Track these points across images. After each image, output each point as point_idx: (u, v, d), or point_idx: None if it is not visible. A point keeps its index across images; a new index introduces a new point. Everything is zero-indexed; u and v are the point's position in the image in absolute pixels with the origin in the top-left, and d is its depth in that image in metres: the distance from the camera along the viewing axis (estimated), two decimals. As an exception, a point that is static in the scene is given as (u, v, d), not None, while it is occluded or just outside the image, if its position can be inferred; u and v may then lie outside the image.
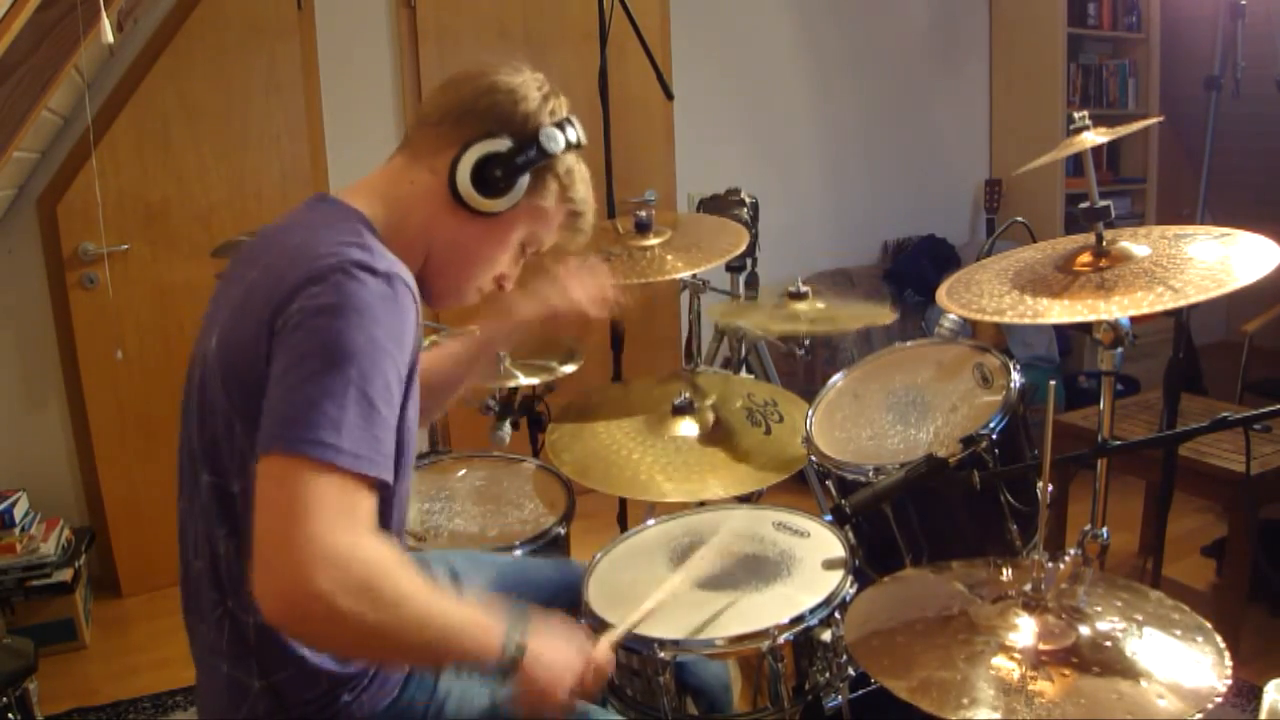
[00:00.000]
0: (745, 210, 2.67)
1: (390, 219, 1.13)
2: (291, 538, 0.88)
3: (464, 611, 1.01)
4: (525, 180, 1.17)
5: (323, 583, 0.87)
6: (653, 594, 1.35)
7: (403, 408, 1.04)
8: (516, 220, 1.20)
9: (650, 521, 1.68)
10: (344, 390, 0.93)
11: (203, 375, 1.08)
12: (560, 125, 1.18)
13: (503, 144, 1.14)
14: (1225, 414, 1.32)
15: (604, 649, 1.18)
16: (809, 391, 1.88)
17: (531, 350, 1.45)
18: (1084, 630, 1.11)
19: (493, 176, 1.14)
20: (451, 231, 1.18)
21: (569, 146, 1.19)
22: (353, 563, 0.89)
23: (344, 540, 0.89)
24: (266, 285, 1.02)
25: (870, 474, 1.56)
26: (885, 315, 1.98)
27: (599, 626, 1.34)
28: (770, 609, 1.37)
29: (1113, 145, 4.46)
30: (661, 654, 1.32)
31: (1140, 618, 1.14)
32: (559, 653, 1.09)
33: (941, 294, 1.40)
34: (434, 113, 1.18)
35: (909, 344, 1.87)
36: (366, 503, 0.93)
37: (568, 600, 1.42)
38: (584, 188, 1.26)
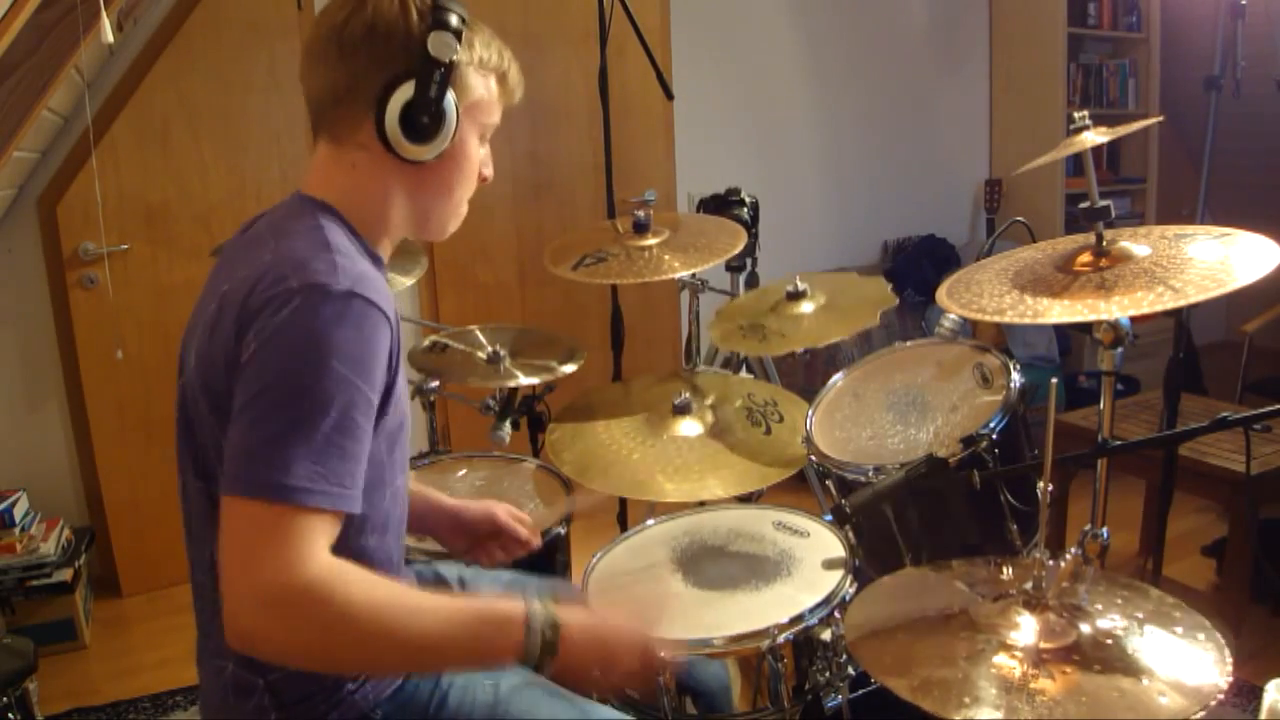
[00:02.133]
0: (745, 210, 2.68)
1: (353, 210, 1.11)
2: (236, 577, 0.91)
3: (467, 615, 1.00)
4: (450, 98, 1.09)
5: (261, 619, 0.90)
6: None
7: (381, 421, 1.03)
8: (464, 130, 1.14)
9: (650, 521, 1.69)
10: (297, 426, 0.93)
11: (185, 387, 1.08)
12: (435, 24, 1.07)
13: (408, 88, 1.06)
14: (1225, 414, 1.32)
15: (663, 642, 1.14)
16: (809, 391, 1.88)
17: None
18: (1085, 628, 1.11)
19: (421, 123, 1.07)
20: (416, 185, 1.14)
21: (456, 32, 1.08)
22: (288, 597, 0.90)
23: (279, 577, 0.90)
24: (233, 303, 1.01)
25: (870, 474, 1.56)
26: (888, 299, 1.97)
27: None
28: (770, 609, 1.37)
29: (1113, 145, 4.45)
30: (662, 654, 1.32)
31: (1141, 615, 1.14)
32: (608, 639, 1.08)
33: (941, 294, 1.40)
34: (323, 92, 1.10)
35: (909, 344, 1.87)
36: (318, 535, 0.93)
37: None
38: (491, 51, 1.15)
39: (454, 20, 1.08)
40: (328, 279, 0.98)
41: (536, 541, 1.47)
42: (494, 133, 1.22)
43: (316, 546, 0.93)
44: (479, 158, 1.19)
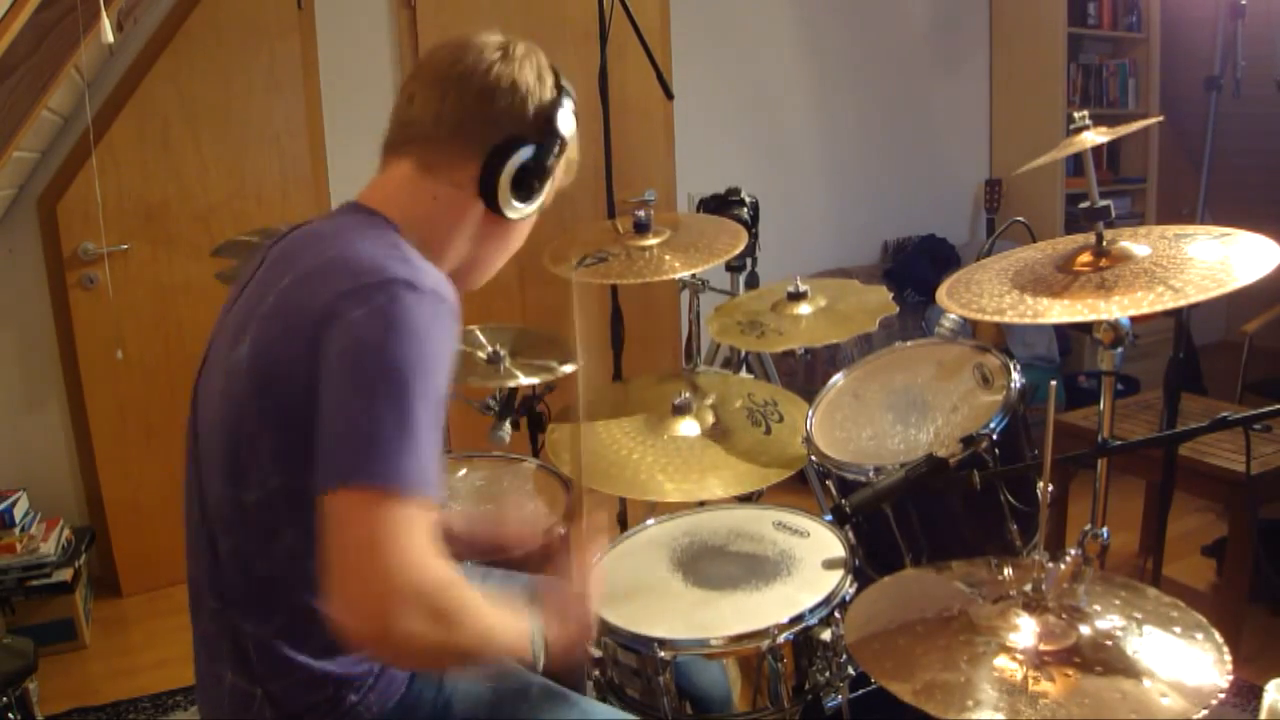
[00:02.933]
0: (745, 210, 2.68)
1: (418, 233, 1.12)
2: (374, 573, 0.89)
3: (504, 615, 1.04)
4: (554, 172, 1.17)
5: (409, 614, 0.89)
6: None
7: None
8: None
9: (650, 521, 1.69)
10: (402, 417, 0.93)
11: (227, 383, 1.06)
12: (563, 100, 1.16)
13: (528, 150, 1.13)
14: (1225, 414, 1.32)
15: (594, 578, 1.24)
16: (809, 391, 1.88)
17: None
18: (1084, 630, 1.11)
19: (530, 185, 1.15)
20: (486, 235, 1.19)
21: (574, 115, 1.18)
22: (432, 590, 0.91)
23: (420, 569, 0.90)
24: (304, 295, 1.00)
25: (870, 474, 1.56)
26: (888, 307, 1.98)
27: (600, 626, 1.34)
28: (770, 609, 1.37)
29: (1113, 145, 4.46)
30: (661, 654, 1.32)
31: (1139, 616, 1.14)
32: (570, 617, 1.16)
33: (941, 294, 1.40)
34: (437, 121, 1.13)
35: (909, 344, 1.87)
36: (429, 527, 0.94)
37: None
38: (573, 139, 1.22)
39: (570, 102, 1.18)
40: (412, 276, 0.99)
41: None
42: None
43: (431, 537, 0.94)
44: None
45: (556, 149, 1.15)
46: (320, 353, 0.97)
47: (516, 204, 1.15)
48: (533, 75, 1.14)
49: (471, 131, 1.12)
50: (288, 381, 0.99)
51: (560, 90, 1.16)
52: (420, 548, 0.91)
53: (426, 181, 1.13)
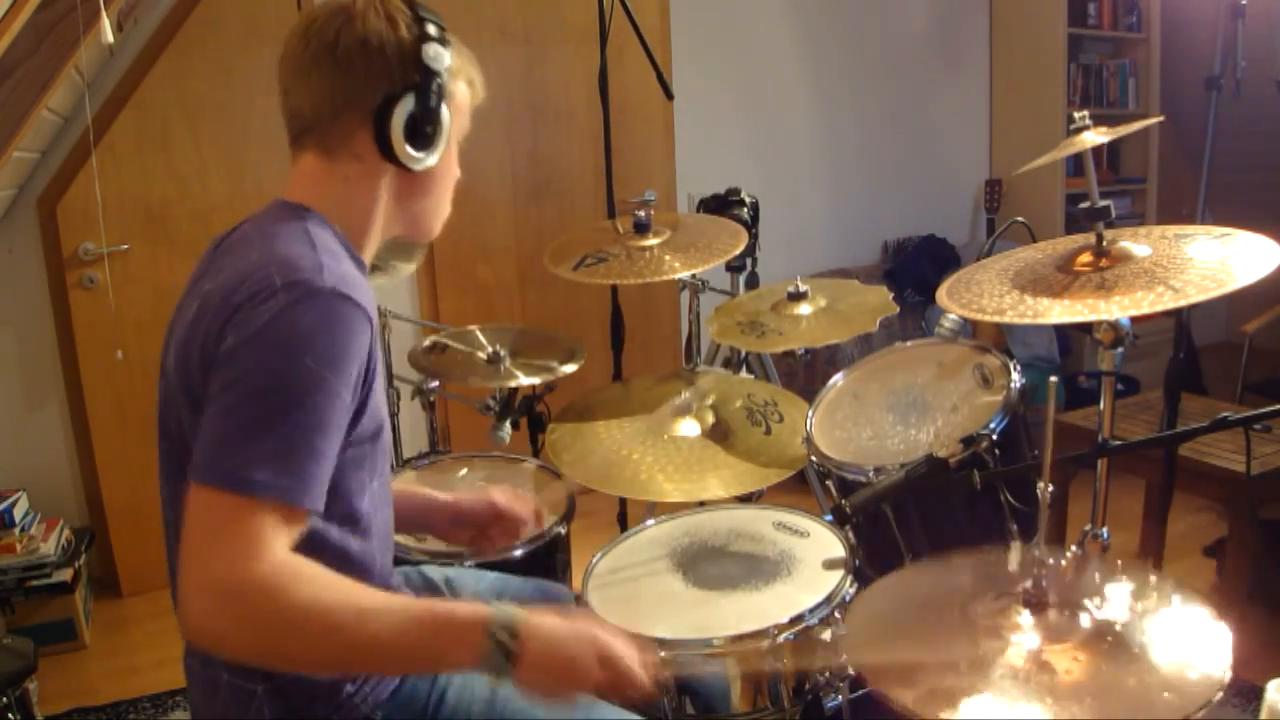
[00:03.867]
0: (745, 210, 2.68)
1: (340, 218, 1.12)
2: (197, 566, 0.92)
3: (427, 614, 0.99)
4: (444, 107, 1.12)
5: (208, 609, 0.91)
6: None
7: (356, 424, 1.04)
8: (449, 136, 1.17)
9: (650, 521, 1.69)
10: (266, 421, 0.94)
11: (164, 388, 1.09)
12: (425, 34, 1.09)
13: (409, 99, 1.08)
14: (1225, 414, 1.32)
15: (650, 650, 1.12)
16: (809, 391, 1.88)
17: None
18: (1085, 625, 1.11)
19: (425, 133, 1.10)
20: (407, 191, 1.16)
21: (445, 41, 1.11)
22: (238, 590, 0.90)
23: (231, 569, 0.90)
24: (215, 302, 1.01)
25: (870, 474, 1.56)
26: (887, 303, 1.98)
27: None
28: (770, 609, 1.37)
29: (1113, 145, 4.45)
30: (661, 654, 1.32)
31: (1141, 609, 1.14)
32: (575, 641, 1.03)
33: (941, 294, 1.40)
34: (315, 107, 1.11)
35: (909, 344, 1.87)
36: (277, 530, 0.93)
37: None
38: (462, 58, 1.17)
39: (436, 30, 1.11)
40: (312, 276, 0.99)
41: (539, 521, 1.48)
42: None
43: (273, 541, 0.93)
44: (456, 158, 1.22)
45: (435, 86, 1.10)
46: (215, 355, 0.98)
47: (418, 154, 1.11)
48: (382, 23, 1.09)
49: (348, 103, 1.09)
50: (202, 383, 1.00)
51: (421, 25, 1.09)
52: (237, 549, 0.90)
53: (332, 165, 1.13)
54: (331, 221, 1.11)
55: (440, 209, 1.23)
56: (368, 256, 1.17)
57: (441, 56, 1.10)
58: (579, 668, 1.02)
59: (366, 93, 1.09)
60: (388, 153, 1.10)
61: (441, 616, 1.00)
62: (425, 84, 1.09)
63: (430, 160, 1.13)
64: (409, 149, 1.10)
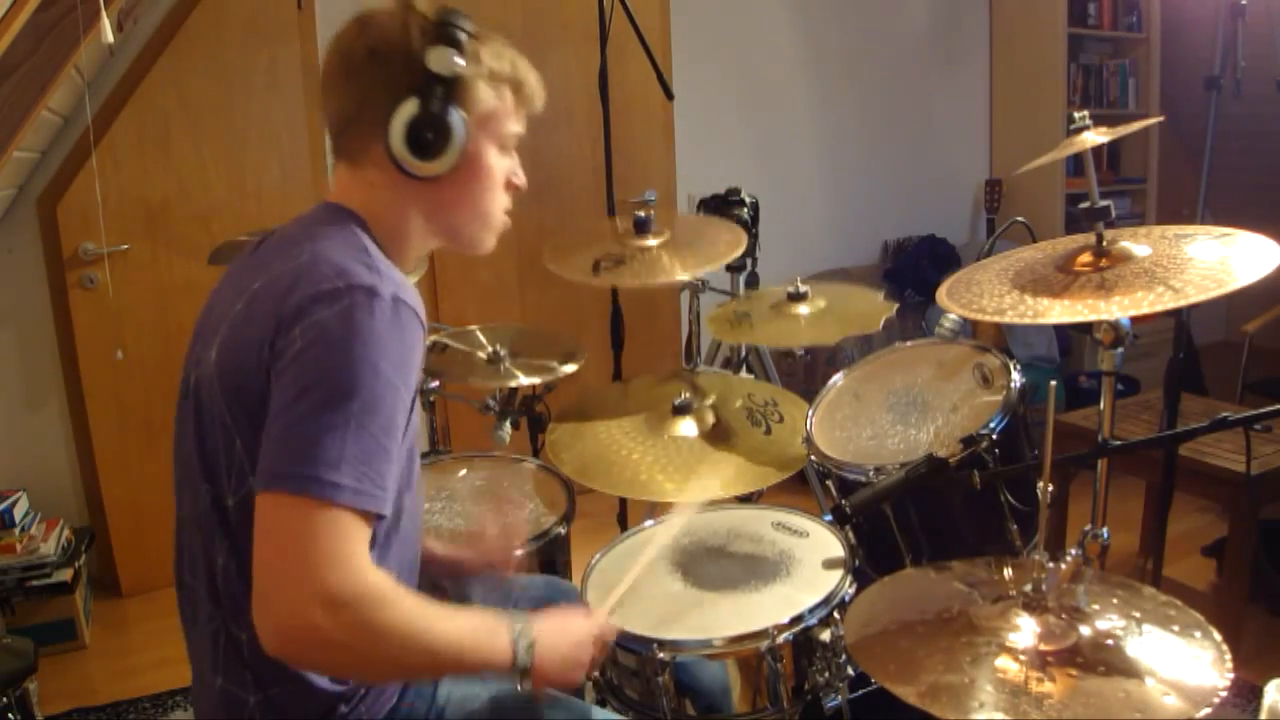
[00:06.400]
0: (745, 210, 2.68)
1: (375, 225, 1.12)
2: (288, 575, 0.90)
3: (470, 624, 1.02)
4: (455, 113, 1.09)
5: (317, 620, 0.89)
6: (639, 559, 1.39)
7: (404, 430, 1.03)
8: (478, 143, 1.14)
9: (650, 521, 1.68)
10: (345, 425, 0.93)
11: (199, 385, 1.07)
12: (436, 39, 1.08)
13: (410, 105, 1.07)
14: (1225, 414, 1.32)
15: (602, 620, 1.23)
16: (809, 391, 1.88)
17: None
18: (1085, 630, 1.11)
19: (425, 139, 1.08)
20: (433, 201, 1.15)
21: (459, 46, 1.08)
22: (347, 599, 0.90)
23: (338, 578, 0.90)
24: (269, 300, 1.00)
25: (870, 474, 1.56)
26: (885, 308, 1.98)
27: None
28: (769, 609, 1.37)
29: (1113, 145, 4.45)
30: (660, 654, 1.32)
31: (1138, 615, 1.14)
32: (568, 639, 1.13)
33: (941, 294, 1.40)
34: (336, 116, 1.12)
35: (909, 344, 1.87)
36: (362, 537, 0.94)
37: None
38: (502, 62, 1.15)
39: (457, 35, 1.09)
40: (373, 282, 0.99)
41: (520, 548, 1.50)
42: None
43: (364, 548, 0.93)
44: (503, 167, 1.19)
45: (440, 91, 1.07)
46: (276, 356, 0.97)
47: (422, 161, 1.08)
48: (394, 31, 1.08)
49: (360, 112, 1.10)
50: (249, 385, 0.99)
51: (436, 30, 1.08)
52: (337, 558, 0.90)
53: (358, 173, 1.13)
54: (370, 227, 1.11)
55: (481, 220, 1.19)
56: (404, 267, 1.15)
57: (448, 60, 1.07)
58: (573, 665, 1.13)
59: (376, 100, 1.09)
60: (392, 159, 1.09)
61: (481, 622, 1.04)
62: (429, 89, 1.07)
63: (438, 168, 1.10)
64: (410, 156, 1.09)
